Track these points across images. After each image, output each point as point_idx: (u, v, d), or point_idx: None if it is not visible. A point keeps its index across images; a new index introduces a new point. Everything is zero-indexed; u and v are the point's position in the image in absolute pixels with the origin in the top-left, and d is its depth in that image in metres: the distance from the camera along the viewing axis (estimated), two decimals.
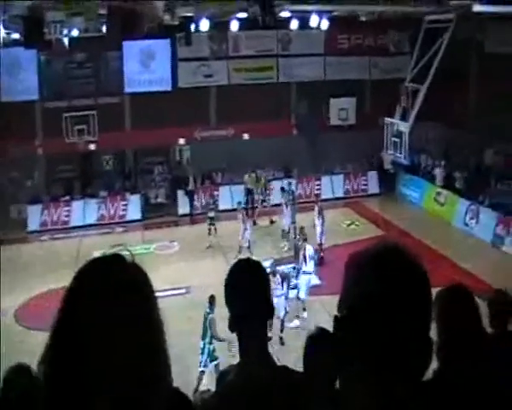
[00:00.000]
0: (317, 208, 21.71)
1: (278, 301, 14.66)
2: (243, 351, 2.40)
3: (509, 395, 2.85)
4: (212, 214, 23.28)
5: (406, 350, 1.35)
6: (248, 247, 20.87)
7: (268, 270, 16.01)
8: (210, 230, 22.75)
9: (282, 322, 15.46)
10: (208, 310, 13.71)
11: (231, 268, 2.51)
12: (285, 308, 15.59)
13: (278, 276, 15.83)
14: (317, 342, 3.62)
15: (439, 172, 27.49)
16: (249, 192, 26.72)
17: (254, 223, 24.68)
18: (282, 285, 15.69)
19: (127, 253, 1.49)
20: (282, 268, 17.10)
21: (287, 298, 15.78)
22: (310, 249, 17.57)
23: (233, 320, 2.44)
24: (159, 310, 1.49)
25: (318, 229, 20.97)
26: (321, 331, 3.65)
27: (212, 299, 13.58)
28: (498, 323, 5.22)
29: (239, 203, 23.23)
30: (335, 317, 1.45)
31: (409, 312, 1.37)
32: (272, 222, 25.16)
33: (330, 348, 3.28)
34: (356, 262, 1.46)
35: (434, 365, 2.62)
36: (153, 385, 1.41)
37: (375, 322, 1.36)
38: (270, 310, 2.50)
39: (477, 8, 15.76)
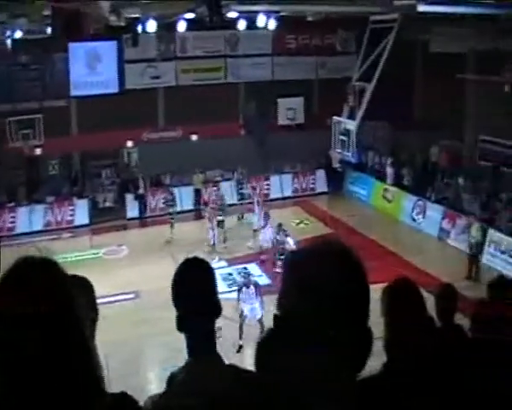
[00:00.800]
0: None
1: (254, 307, 15.48)
2: (191, 350, 2.40)
3: (455, 387, 2.92)
4: (171, 210, 23.99)
5: (345, 341, 1.38)
6: (213, 244, 20.94)
7: (241, 283, 16.69)
8: (172, 224, 23.37)
9: (261, 323, 15.38)
10: None
11: (178, 267, 2.51)
12: (261, 313, 15.67)
13: (252, 287, 15.92)
14: (266, 343, 3.64)
15: (389, 171, 27.95)
16: (197, 192, 26.69)
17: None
18: (256, 295, 15.83)
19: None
20: (254, 279, 17.12)
21: (262, 303, 15.79)
22: (291, 243, 18.11)
23: (180, 319, 2.44)
24: (79, 312, 1.43)
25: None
26: (270, 332, 3.66)
27: None
28: (445, 316, 5.34)
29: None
30: (275, 315, 1.46)
31: (345, 304, 1.39)
32: (242, 217, 25.50)
33: (280, 349, 3.31)
34: (292, 260, 1.49)
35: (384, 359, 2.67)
36: (79, 396, 1.36)
37: (311, 317, 1.38)
38: (217, 308, 2.51)
39: (421, 8, 16.03)
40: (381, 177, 28.38)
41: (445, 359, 2.93)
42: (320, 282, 1.40)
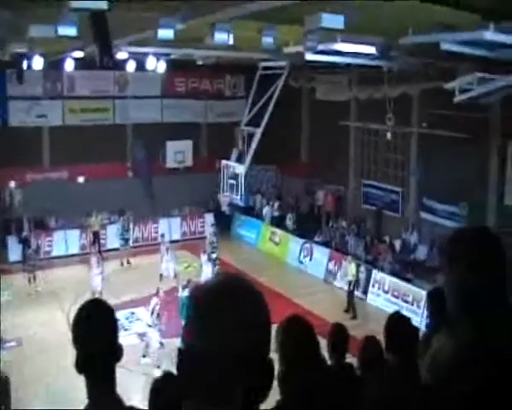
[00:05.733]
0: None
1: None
2: (91, 391, 2.34)
3: None
4: (32, 262, 22.57)
5: (247, 374, 1.38)
6: (100, 292, 20.35)
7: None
8: (30, 279, 22.03)
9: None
10: None
11: (79, 308, 2.46)
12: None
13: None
14: (161, 383, 3.60)
15: (267, 211, 28.64)
16: (95, 235, 26.11)
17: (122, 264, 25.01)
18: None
19: None
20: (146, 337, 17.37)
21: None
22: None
23: (79, 361, 2.37)
24: None
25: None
26: (166, 374, 3.64)
27: None
28: (337, 355, 5.45)
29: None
30: (179, 349, 1.46)
31: (246, 337, 1.41)
32: (129, 262, 25.26)
33: (174, 389, 3.28)
34: (197, 294, 1.49)
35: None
36: None
37: (211, 352, 1.37)
38: (117, 352, 2.45)
39: (309, 56, 16.62)
40: (263, 218, 28.88)
41: (337, 395, 2.97)
42: (221, 318, 1.41)
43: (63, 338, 13.41)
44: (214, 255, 23.43)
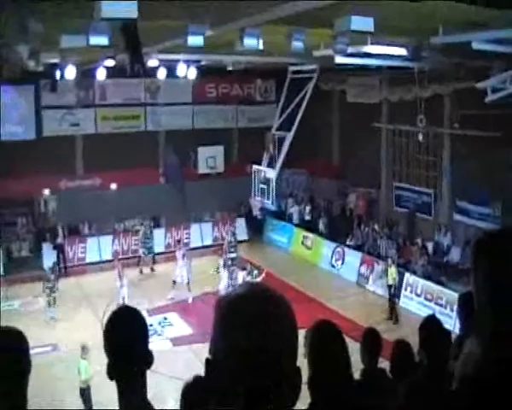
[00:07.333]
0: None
1: None
2: (122, 398, 2.37)
3: None
4: (51, 284, 20.74)
5: (278, 384, 1.39)
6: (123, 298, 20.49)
7: None
8: (50, 302, 20.50)
9: None
10: None
11: (110, 315, 2.49)
12: None
13: None
14: (192, 389, 3.61)
15: (295, 211, 28.90)
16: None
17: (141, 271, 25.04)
18: None
19: None
20: None
21: None
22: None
23: (111, 368, 2.40)
24: None
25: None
26: (198, 379, 3.64)
27: None
28: (369, 358, 5.43)
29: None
30: (207, 359, 1.47)
31: (276, 347, 1.41)
32: (153, 270, 25.29)
33: (203, 393, 3.29)
34: (221, 304, 1.50)
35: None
36: None
37: (243, 361, 1.39)
38: (147, 358, 2.47)
39: (339, 59, 16.57)
40: (297, 221, 28.85)
41: (367, 399, 2.96)
42: (250, 329, 1.42)
43: (98, 344, 13.54)
44: (233, 255, 23.33)
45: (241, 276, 20.48)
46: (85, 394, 13.79)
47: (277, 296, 1.53)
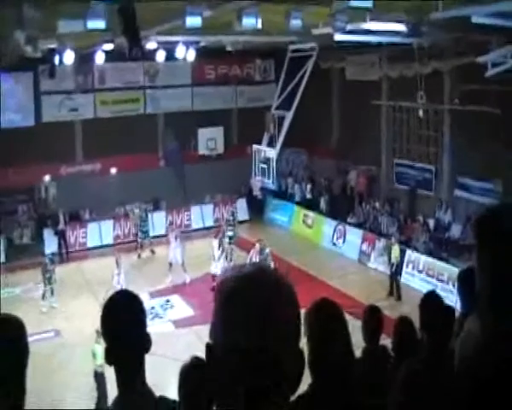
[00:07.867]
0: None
1: None
2: (121, 383, 2.38)
3: (378, 407, 2.97)
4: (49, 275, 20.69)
5: (280, 366, 1.39)
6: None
7: None
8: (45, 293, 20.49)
9: None
10: None
11: (107, 300, 2.49)
12: None
13: None
14: (191, 371, 3.62)
15: (297, 189, 29.02)
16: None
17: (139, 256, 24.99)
18: None
19: None
20: None
21: None
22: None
23: (108, 352, 2.41)
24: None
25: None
26: (195, 360, 3.65)
27: None
28: (371, 336, 5.46)
29: None
30: (207, 344, 1.46)
31: (278, 328, 1.40)
32: (153, 252, 25.23)
33: (201, 376, 3.33)
34: (222, 287, 1.49)
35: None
36: None
37: (244, 343, 1.38)
38: (146, 342, 2.49)
39: (338, 37, 16.43)
40: (297, 199, 28.90)
41: (369, 378, 2.98)
42: (252, 310, 1.40)
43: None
44: (230, 233, 23.39)
45: (252, 253, 20.43)
46: (99, 378, 13.85)
47: (282, 285, 1.48)
